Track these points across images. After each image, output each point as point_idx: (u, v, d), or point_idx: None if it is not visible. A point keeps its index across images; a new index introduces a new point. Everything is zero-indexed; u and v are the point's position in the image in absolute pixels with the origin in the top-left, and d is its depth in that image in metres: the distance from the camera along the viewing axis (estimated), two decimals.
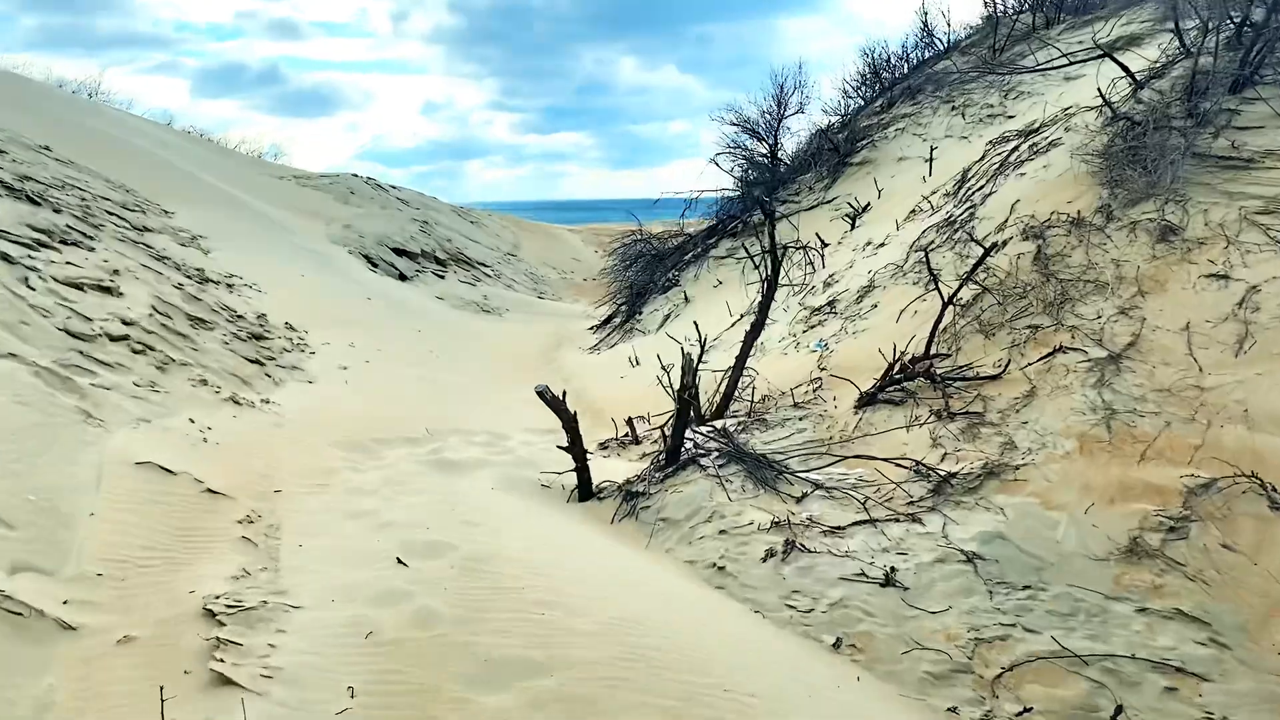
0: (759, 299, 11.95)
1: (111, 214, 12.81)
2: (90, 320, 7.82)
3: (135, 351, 7.80)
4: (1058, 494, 6.53)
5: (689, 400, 7.52)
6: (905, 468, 7.08)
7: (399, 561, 4.88)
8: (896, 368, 8.38)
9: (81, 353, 7.10)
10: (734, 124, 23.89)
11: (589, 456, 7.87)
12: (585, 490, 7.58)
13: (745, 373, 9.59)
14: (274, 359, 9.92)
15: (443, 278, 24.04)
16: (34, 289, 7.82)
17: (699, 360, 11.12)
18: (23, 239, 9.04)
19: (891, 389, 8.23)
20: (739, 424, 8.65)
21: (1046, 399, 7.38)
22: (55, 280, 8.36)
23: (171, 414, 6.91)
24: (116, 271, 9.82)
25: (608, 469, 8.36)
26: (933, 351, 8.45)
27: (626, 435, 9.69)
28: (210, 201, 18.35)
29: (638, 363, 13.68)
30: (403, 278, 22.14)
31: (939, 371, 8.08)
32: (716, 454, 7.42)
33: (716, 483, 7.02)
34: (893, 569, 5.92)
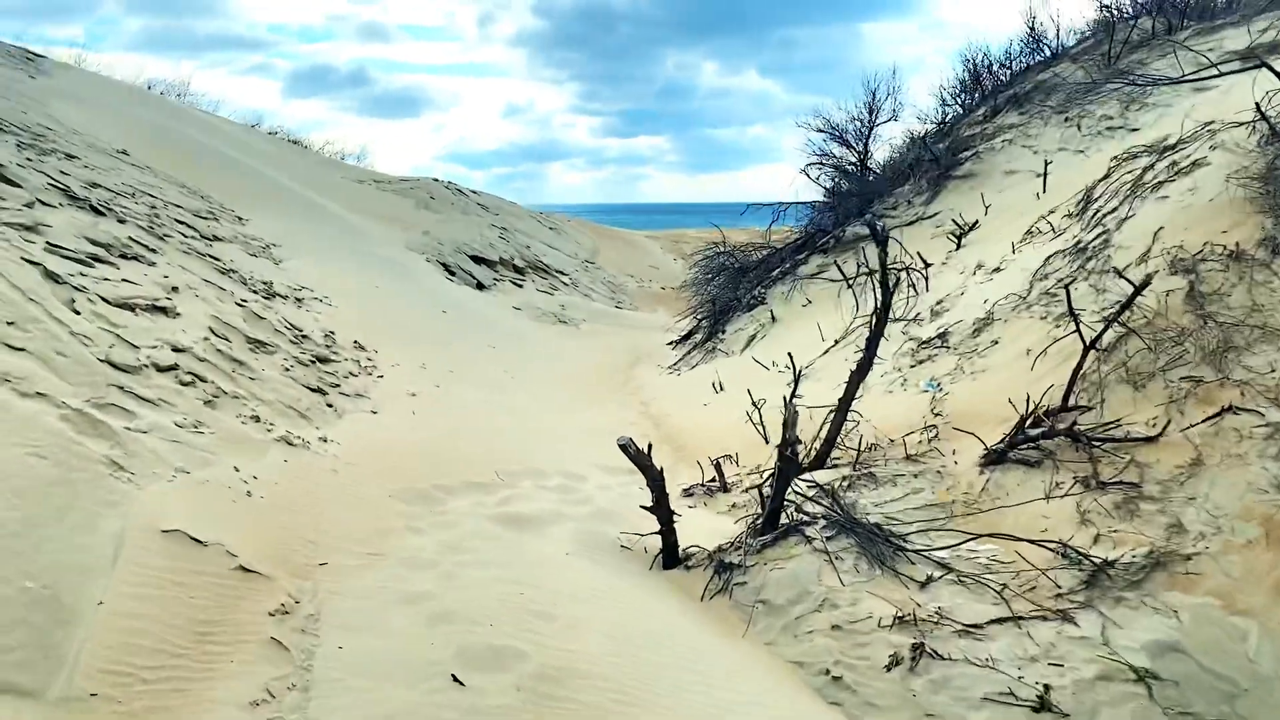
0: (867, 330, 10.88)
1: (181, 223, 12.24)
2: (137, 348, 7.09)
3: (183, 384, 7.05)
4: (1243, 594, 5.36)
5: (792, 459, 6.51)
6: (1049, 549, 5.96)
7: (454, 679, 3.98)
8: (1029, 421, 7.25)
9: (121, 388, 6.35)
10: (821, 130, 22.79)
11: (668, 496, 6.90)
12: (671, 556, 6.60)
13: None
14: (338, 385, 9.15)
15: (520, 286, 23.30)
16: (79, 313, 7.13)
17: (793, 393, 10.10)
18: (77, 254, 8.40)
19: (1024, 446, 7.09)
20: (843, 479, 7.59)
21: (1218, 470, 6.19)
22: (105, 301, 7.68)
23: (214, 461, 6.12)
24: (175, 289, 9.16)
25: (693, 524, 7.38)
26: (1072, 403, 7.30)
27: (713, 480, 8.70)
28: (287, 207, 17.85)
29: (721, 388, 12.68)
30: (480, 286, 21.45)
31: (1082, 429, 6.92)
32: (824, 522, 6.38)
33: (825, 560, 5.99)
34: (1046, 688, 4.82)
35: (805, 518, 6.59)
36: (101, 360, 6.56)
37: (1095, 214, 10.42)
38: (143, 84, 26.88)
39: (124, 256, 9.24)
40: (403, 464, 7.47)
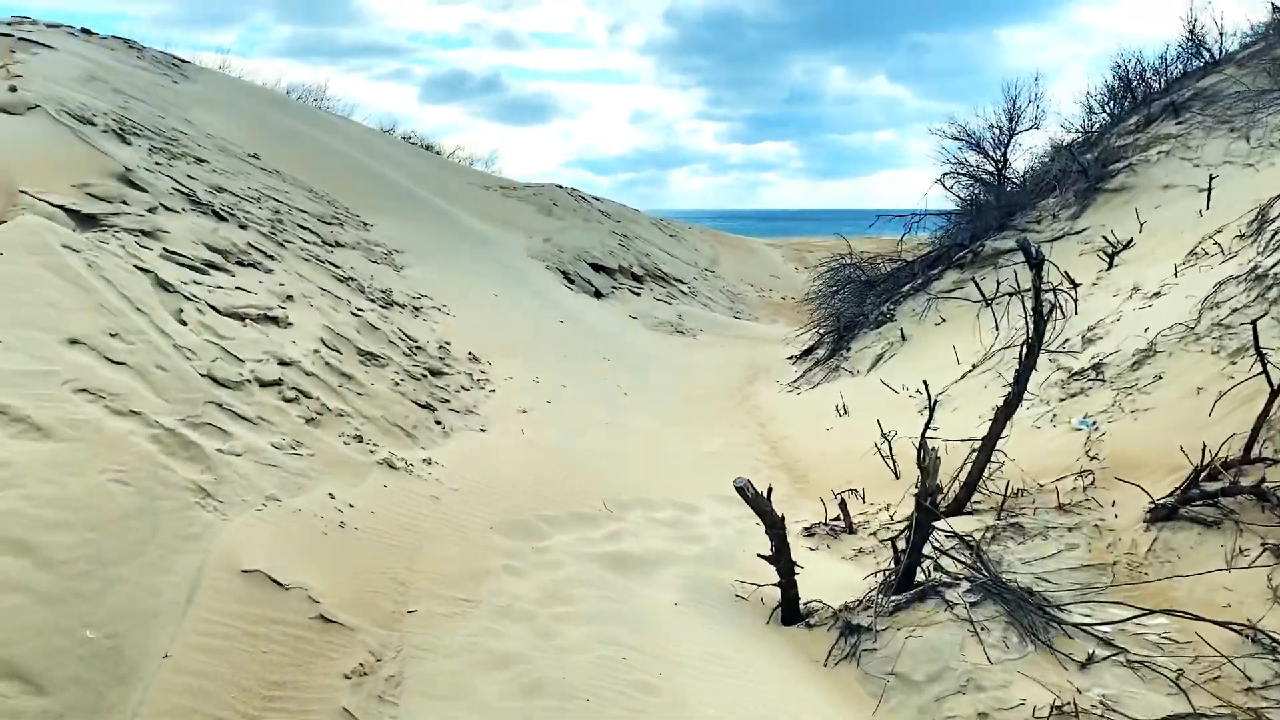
0: (1011, 357, 9.96)
1: (304, 228, 12.16)
2: (241, 361, 6.82)
3: (286, 400, 6.75)
4: None
5: (931, 511, 5.75)
6: (1235, 631, 5.06)
7: None
8: (1204, 472, 6.30)
9: (220, 405, 6.06)
10: (956, 138, 21.61)
11: (789, 545, 6.21)
12: (791, 611, 5.93)
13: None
14: (448, 401, 8.77)
15: (638, 295, 22.85)
16: (185, 323, 6.90)
17: (928, 424, 9.26)
18: (193, 261, 8.24)
19: (1199, 503, 6.15)
20: (986, 530, 6.77)
21: None
22: (215, 310, 7.46)
23: (309, 486, 5.75)
24: (290, 297, 8.95)
25: (815, 571, 6.67)
26: (1256, 454, 6.32)
27: (837, 519, 7.96)
28: (413, 212, 17.81)
29: (845, 412, 11.88)
30: (598, 295, 21.07)
31: (1272, 487, 5.95)
32: (967, 584, 5.60)
33: (969, 630, 5.22)
34: None
35: (945, 577, 5.82)
36: (203, 375, 6.29)
37: (1275, 236, 9.25)
38: (281, 89, 27.62)
39: (241, 264, 9.09)
40: (507, 490, 6.99)
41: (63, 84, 11.59)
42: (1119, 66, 19.63)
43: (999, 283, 13.75)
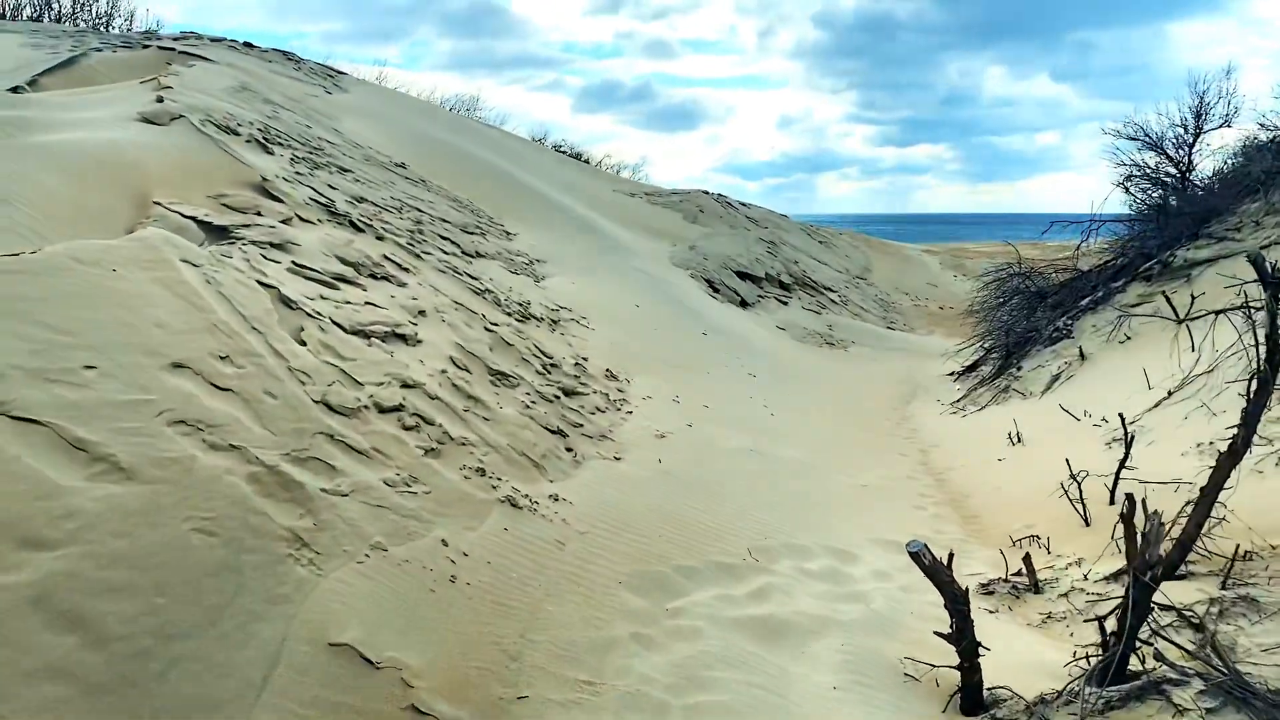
0: (1224, 385, 8.57)
1: (444, 238, 11.74)
2: (360, 385, 6.27)
3: (406, 427, 6.15)
4: None
5: (1151, 587, 4.61)
6: None
7: None
8: None
9: (331, 435, 5.49)
10: (1132, 138, 19.66)
11: (972, 621, 5.17)
12: (973, 698, 4.90)
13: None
14: (581, 426, 8.06)
15: (786, 304, 21.80)
16: (305, 343, 6.41)
17: (1123, 462, 7.96)
18: (323, 275, 7.81)
19: None
20: (1211, 603, 5.54)
21: None
22: (339, 328, 6.97)
23: (421, 531, 5.10)
24: (422, 312, 8.43)
25: (998, 638, 5.59)
26: None
27: (1018, 574, 6.82)
28: (557, 222, 17.35)
29: (1019, 440, 10.59)
30: (744, 304, 20.14)
31: None
32: (1200, 683, 4.45)
33: None
34: None
35: (1168, 670, 4.67)
36: (316, 401, 5.74)
37: None
38: (435, 99, 27.87)
39: (374, 276, 8.64)
40: (640, 532, 6.20)
41: (212, 94, 11.53)
42: None
43: (1193, 297, 12.13)
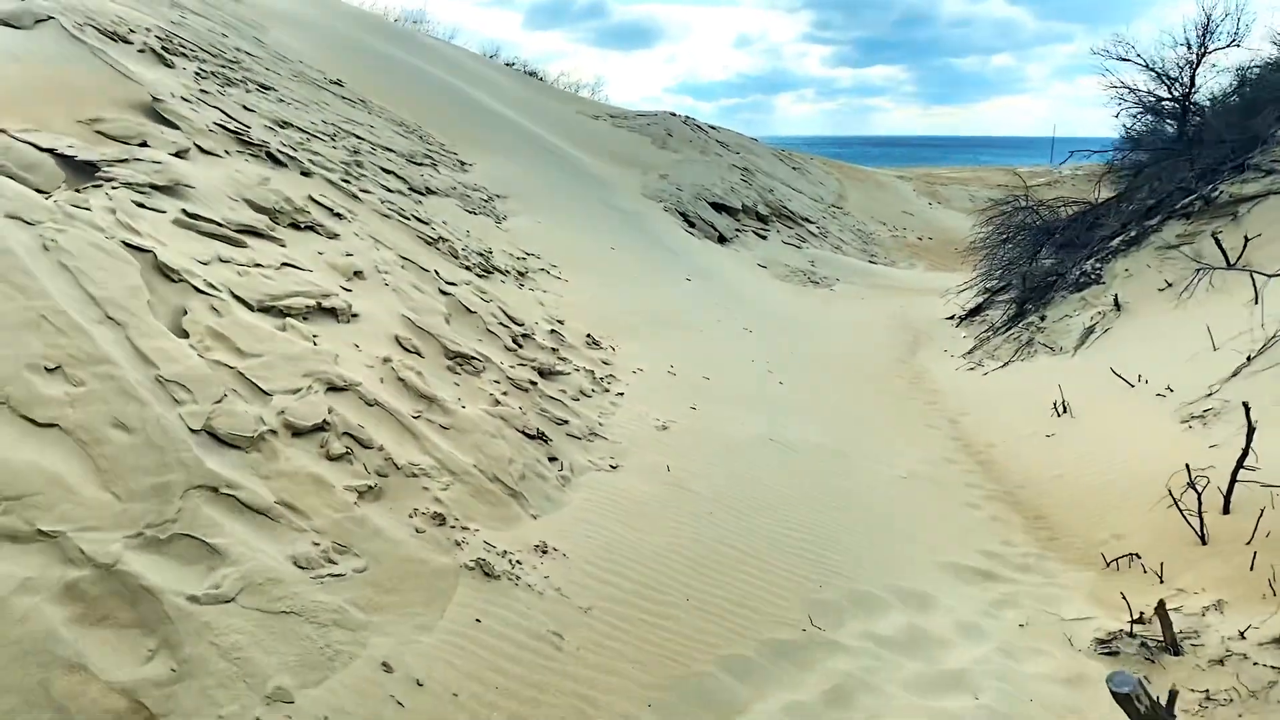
0: None
1: (389, 172, 9.70)
2: (267, 396, 4.39)
3: (332, 457, 4.30)
4: None
5: None
6: None
7: None
8: None
9: (216, 490, 3.64)
10: (1123, 58, 17.95)
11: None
12: None
13: None
14: (566, 422, 6.24)
15: (764, 237, 19.97)
16: (187, 333, 4.49)
17: (1242, 459, 6.36)
18: (224, 227, 5.82)
19: None
20: None
21: None
22: (242, 305, 5.04)
23: (348, 649, 3.30)
24: (359, 273, 6.50)
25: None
26: None
27: (1140, 619, 5.22)
28: (518, 149, 15.24)
29: (1066, 409, 9.00)
30: (722, 239, 18.28)
31: None
32: None
33: None
34: None
35: None
36: (196, 430, 3.87)
37: None
38: (379, 10, 25.12)
39: (295, 226, 6.66)
40: (663, 597, 4.46)
41: None
42: None
43: (1246, 239, 10.56)
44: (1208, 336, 9.07)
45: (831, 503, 6.48)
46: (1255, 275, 9.62)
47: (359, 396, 4.89)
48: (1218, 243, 10.66)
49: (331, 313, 5.67)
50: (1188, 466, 6.16)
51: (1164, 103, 18.25)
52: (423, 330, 6.18)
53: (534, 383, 6.45)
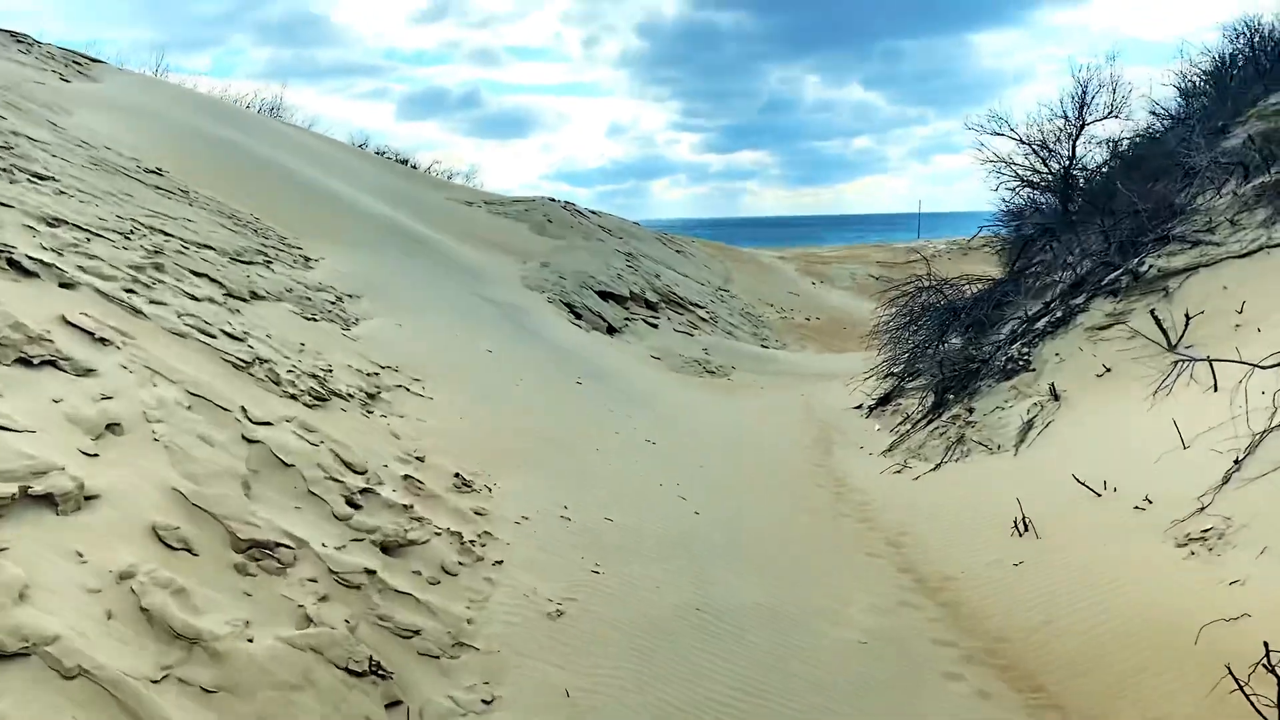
0: None
1: (200, 275, 7.67)
2: None
3: None
4: None
5: None
6: None
7: None
8: None
9: None
10: (998, 134, 17.44)
11: None
12: None
13: None
14: (417, 633, 4.28)
15: (655, 325, 18.44)
16: None
17: None
18: None
19: None
20: None
21: None
22: None
23: None
24: (114, 426, 4.48)
25: None
26: None
27: None
28: (378, 240, 13.32)
29: (1027, 527, 7.51)
30: (611, 331, 16.63)
31: None
32: None
33: None
34: None
35: None
36: None
37: None
38: (226, 96, 22.90)
39: (25, 362, 4.61)
40: None
41: None
42: (1232, 32, 15.35)
43: (1188, 317, 9.49)
44: (1171, 431, 7.76)
45: (786, 700, 4.68)
46: (1220, 362, 8.42)
47: (51, 664, 2.88)
48: (1158, 323, 9.54)
49: (46, 501, 3.65)
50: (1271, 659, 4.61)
51: (1045, 176, 17.76)
52: (201, 510, 4.18)
53: (372, 571, 4.50)
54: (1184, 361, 6.77)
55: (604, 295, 17.95)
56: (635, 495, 7.44)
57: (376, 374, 7.88)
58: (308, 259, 10.76)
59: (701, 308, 21.66)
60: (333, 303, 9.50)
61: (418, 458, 6.51)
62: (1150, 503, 7.07)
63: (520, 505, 6.44)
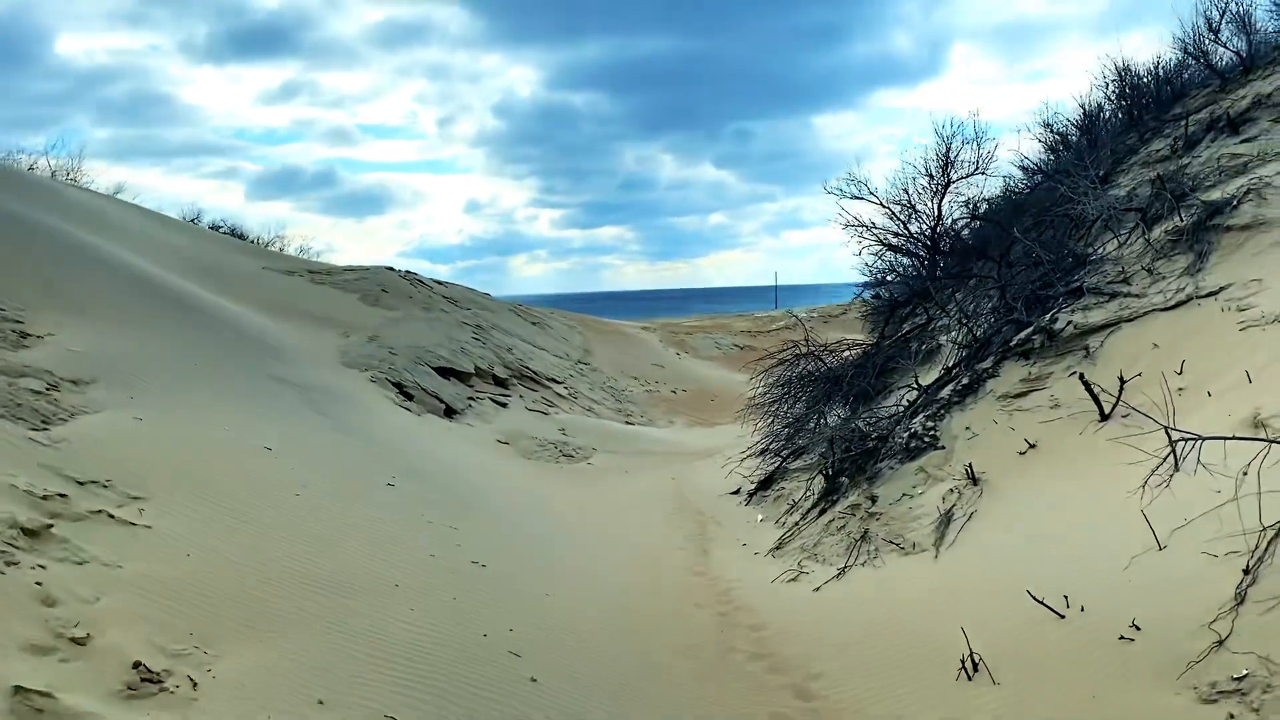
0: None
1: None
2: None
3: None
4: None
5: None
6: None
7: None
8: None
9: None
10: (857, 197, 16.17)
11: None
12: None
13: None
14: None
15: (504, 405, 16.08)
16: None
17: None
18: None
19: None
20: None
21: None
22: None
23: None
24: None
25: None
26: None
27: None
28: (147, 312, 10.58)
29: (975, 665, 5.51)
30: (450, 413, 14.17)
31: None
32: None
33: None
34: None
35: None
36: None
37: None
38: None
39: None
40: None
41: None
42: (1111, 76, 14.56)
43: (1122, 381, 7.86)
44: (1134, 526, 5.95)
45: None
46: (1239, 440, 6.74)
47: None
48: (1088, 388, 7.90)
49: None
50: None
51: (911, 238, 16.60)
52: None
53: None
54: (1188, 441, 4.94)
55: (444, 372, 15.51)
56: (445, 665, 5.04)
57: (62, 497, 5.29)
58: (24, 335, 8.03)
59: (559, 383, 19.45)
60: (37, 393, 6.82)
61: (75, 639, 3.98)
62: (1139, 629, 5.18)
63: (245, 709, 3.97)
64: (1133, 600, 5.42)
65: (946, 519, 7.81)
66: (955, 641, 5.73)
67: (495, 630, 5.80)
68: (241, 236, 33.32)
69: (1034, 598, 5.77)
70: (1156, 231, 9.71)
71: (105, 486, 5.77)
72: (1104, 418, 7.85)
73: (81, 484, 5.64)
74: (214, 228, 32.74)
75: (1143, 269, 9.34)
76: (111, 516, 5.39)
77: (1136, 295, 8.98)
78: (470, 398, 15.34)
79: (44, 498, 5.19)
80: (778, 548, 9.31)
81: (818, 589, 7.88)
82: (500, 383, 17.11)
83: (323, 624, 5.01)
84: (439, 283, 23.04)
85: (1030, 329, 9.20)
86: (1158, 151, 12.53)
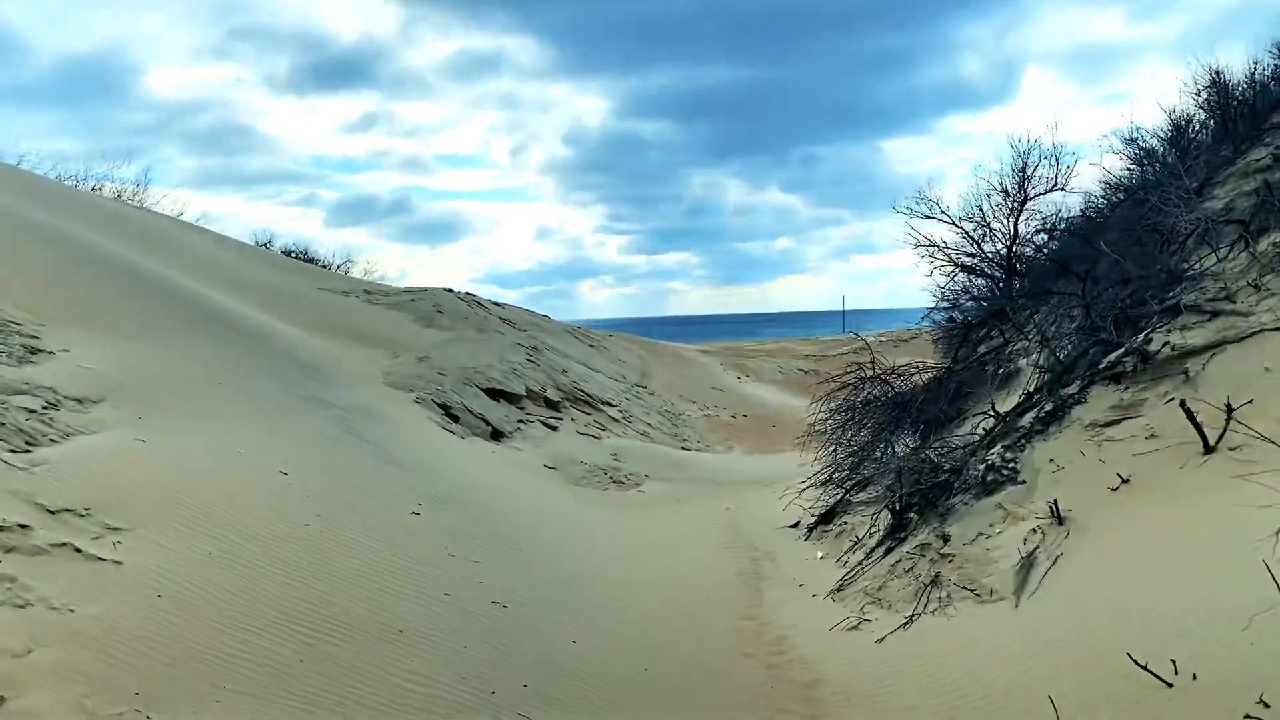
0: None
1: None
2: None
3: None
4: None
5: None
6: None
7: None
8: None
9: None
10: (928, 216, 15.00)
11: None
12: None
13: None
14: None
15: (555, 428, 15.38)
16: None
17: None
18: None
19: None
20: None
21: None
22: None
23: None
24: None
25: None
26: None
27: None
28: (183, 329, 10.16)
29: None
30: (497, 435, 13.52)
31: None
32: None
33: None
34: None
35: None
36: None
37: None
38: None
39: None
40: None
41: None
42: (1202, 84, 13.35)
43: (1230, 408, 6.76)
44: (1251, 575, 4.92)
45: None
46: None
47: None
48: (1190, 417, 6.82)
49: None
50: None
51: (985, 258, 15.46)
52: None
53: None
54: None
55: (494, 394, 14.88)
56: None
57: (23, 528, 4.67)
58: (35, 350, 7.56)
59: (613, 405, 18.69)
60: (30, 412, 6.29)
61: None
62: (1267, 706, 4.17)
63: None
64: (1257, 668, 4.45)
65: (1029, 563, 6.79)
66: (1041, 709, 4.81)
67: (506, 686, 5.01)
68: (310, 260, 33.49)
69: (1135, 661, 4.78)
70: (1264, 244, 8.57)
71: (81, 515, 5.16)
72: (1209, 450, 6.76)
73: (52, 512, 5.04)
74: (286, 252, 32.95)
75: (1248, 284, 8.21)
76: (78, 550, 4.77)
77: (1243, 313, 7.86)
78: (520, 420, 14.68)
79: (12, 529, 4.58)
80: (838, 590, 8.36)
81: (881, 639, 6.93)
82: (552, 405, 16.43)
83: (299, 684, 4.28)
84: (497, 304, 22.56)
85: (1121, 350, 8.12)
86: (1258, 161, 11.32)
